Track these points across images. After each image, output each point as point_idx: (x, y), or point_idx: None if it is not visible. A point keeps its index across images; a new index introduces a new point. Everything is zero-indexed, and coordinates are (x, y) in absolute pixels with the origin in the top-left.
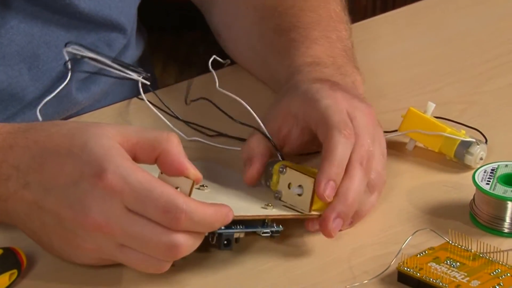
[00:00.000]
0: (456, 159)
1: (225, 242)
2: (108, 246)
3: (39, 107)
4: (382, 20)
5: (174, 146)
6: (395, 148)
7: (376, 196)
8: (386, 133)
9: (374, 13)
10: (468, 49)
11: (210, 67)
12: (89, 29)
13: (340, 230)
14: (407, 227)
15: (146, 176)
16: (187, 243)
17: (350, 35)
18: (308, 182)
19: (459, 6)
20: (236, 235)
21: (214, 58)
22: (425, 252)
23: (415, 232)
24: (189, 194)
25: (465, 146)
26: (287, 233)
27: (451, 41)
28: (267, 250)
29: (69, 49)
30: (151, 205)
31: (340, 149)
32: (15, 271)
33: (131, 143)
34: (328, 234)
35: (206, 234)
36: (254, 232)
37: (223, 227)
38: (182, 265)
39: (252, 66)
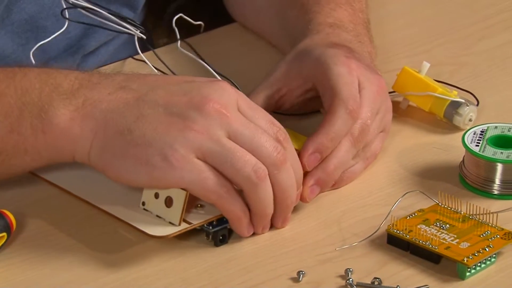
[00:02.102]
0: (445, 119)
1: (221, 238)
2: (217, 131)
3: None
4: None
5: None
6: None
7: (361, 166)
8: None
9: None
10: (458, 10)
11: (174, 24)
12: (100, 3)
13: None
14: (396, 189)
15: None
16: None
17: (368, 9)
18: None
19: None
20: (229, 226)
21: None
22: (414, 214)
23: (404, 194)
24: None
25: (455, 106)
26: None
27: (441, 2)
28: None
29: None
30: (261, 113)
31: (340, 124)
32: (4, 234)
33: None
34: (303, 199)
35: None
36: None
37: (215, 223)
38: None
39: (265, 19)
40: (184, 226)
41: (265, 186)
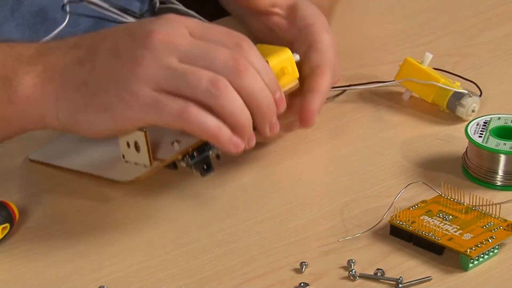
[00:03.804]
0: (448, 110)
1: (205, 167)
2: (168, 59)
3: None
4: None
5: None
6: (391, 99)
7: None
8: (381, 83)
9: None
10: (460, 1)
11: None
12: None
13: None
14: (399, 180)
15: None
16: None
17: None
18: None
19: None
20: (212, 154)
21: None
22: (417, 205)
23: (407, 185)
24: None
25: (458, 97)
26: (278, 187)
27: None
28: (259, 204)
29: None
30: (215, 29)
31: (328, 87)
32: (7, 225)
33: None
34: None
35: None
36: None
37: (196, 154)
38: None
39: None
40: (156, 164)
41: (228, 96)
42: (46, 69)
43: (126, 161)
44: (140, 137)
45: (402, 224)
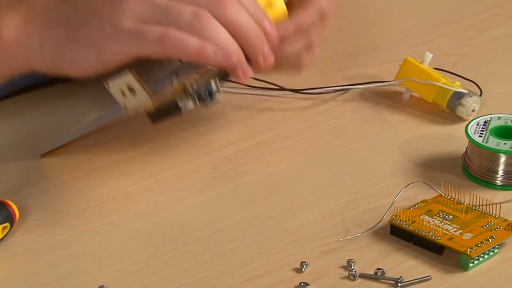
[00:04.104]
0: (448, 110)
1: (208, 93)
2: None
3: None
4: None
5: None
6: (391, 99)
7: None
8: (382, 83)
9: None
10: (460, 0)
11: None
12: None
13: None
14: (399, 179)
15: None
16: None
17: None
18: (128, 77)
19: None
20: (213, 86)
21: None
22: (417, 205)
23: (407, 185)
24: None
25: (458, 97)
26: (278, 187)
27: None
28: (259, 203)
29: None
30: None
31: (310, 21)
32: (7, 224)
33: None
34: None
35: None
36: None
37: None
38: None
39: None
40: (158, 95)
41: (212, 28)
42: (29, 11)
43: (129, 110)
44: (129, 78)
45: (402, 223)
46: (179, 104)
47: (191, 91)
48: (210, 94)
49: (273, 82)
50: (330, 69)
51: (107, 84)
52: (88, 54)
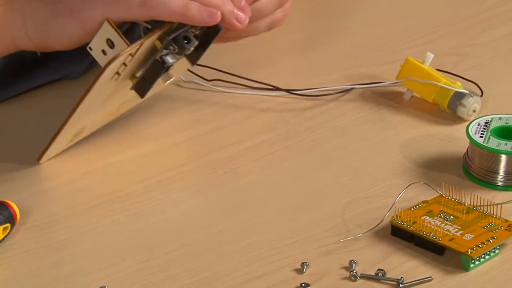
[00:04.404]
0: (449, 110)
1: (185, 40)
2: None
3: None
4: None
5: None
6: (392, 99)
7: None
8: (382, 83)
9: None
10: (461, 0)
11: None
12: None
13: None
14: (400, 180)
15: None
16: None
17: None
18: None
19: None
20: (189, 32)
21: None
22: (418, 205)
23: (408, 186)
24: None
25: (459, 97)
26: (279, 187)
27: None
28: (260, 204)
29: None
30: None
31: None
32: (8, 225)
33: None
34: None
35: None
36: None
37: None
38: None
39: None
40: (136, 43)
41: None
42: None
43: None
44: (107, 28)
45: (403, 224)
46: (160, 58)
47: (167, 40)
48: (188, 41)
49: (272, 83)
50: (331, 69)
51: (89, 48)
52: (72, 23)
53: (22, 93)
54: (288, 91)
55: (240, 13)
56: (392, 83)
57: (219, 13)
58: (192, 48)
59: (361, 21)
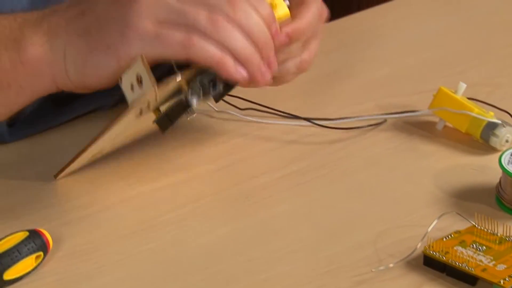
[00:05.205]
0: (482, 140)
1: (212, 84)
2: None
3: None
4: (407, 2)
5: None
6: (425, 129)
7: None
8: (415, 112)
9: None
10: (493, 30)
11: None
12: None
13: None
14: (433, 210)
15: None
16: None
17: None
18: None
19: None
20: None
21: None
22: (451, 235)
23: (441, 215)
24: None
25: (491, 127)
26: (310, 216)
27: (476, 22)
28: (292, 233)
29: None
30: None
31: (311, 19)
32: (41, 253)
33: None
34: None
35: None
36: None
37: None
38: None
39: None
40: (162, 85)
41: (227, 30)
42: (50, 27)
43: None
44: (139, 65)
45: (436, 254)
46: (185, 99)
47: (195, 82)
48: (214, 85)
49: (304, 113)
50: (363, 99)
51: (120, 79)
52: (108, 59)
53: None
54: (319, 120)
55: (265, 69)
56: (425, 113)
57: (246, 75)
58: (217, 92)
59: (393, 50)
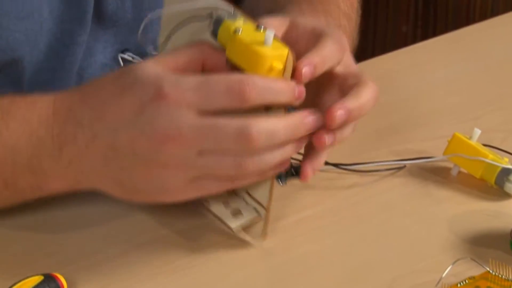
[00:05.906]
0: (496, 186)
1: (294, 172)
2: (188, 157)
3: None
4: (422, 48)
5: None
6: (440, 175)
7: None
8: (429, 158)
9: (414, 41)
10: (507, 77)
11: None
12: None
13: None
14: (447, 255)
15: (198, 75)
16: (258, 125)
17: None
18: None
19: (499, 34)
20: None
21: None
22: (465, 281)
23: (455, 261)
24: None
25: (506, 173)
26: (325, 261)
27: (491, 69)
28: (306, 278)
29: (125, 56)
30: (212, 93)
31: (329, 47)
32: None
33: (174, 63)
34: (331, 121)
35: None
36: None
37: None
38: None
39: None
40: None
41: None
42: (72, 164)
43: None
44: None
45: None
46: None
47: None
48: (296, 170)
49: None
50: (378, 144)
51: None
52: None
53: None
54: (336, 165)
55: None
56: (439, 159)
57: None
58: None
59: (408, 96)
